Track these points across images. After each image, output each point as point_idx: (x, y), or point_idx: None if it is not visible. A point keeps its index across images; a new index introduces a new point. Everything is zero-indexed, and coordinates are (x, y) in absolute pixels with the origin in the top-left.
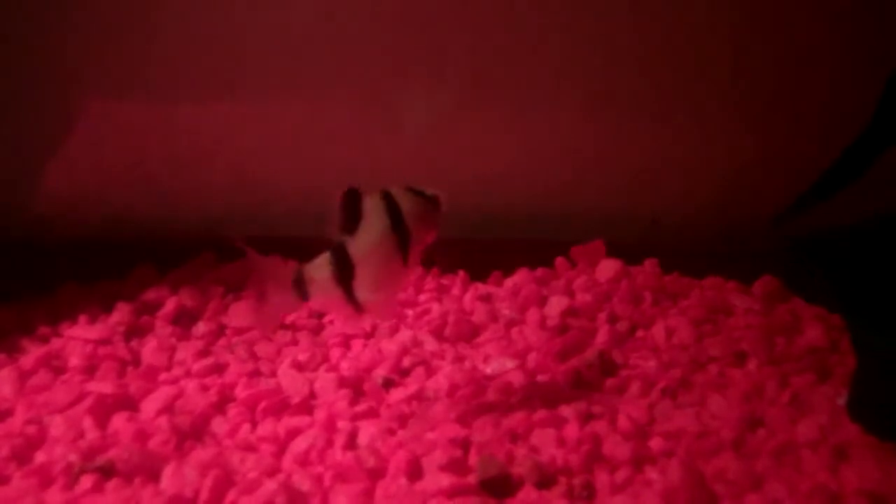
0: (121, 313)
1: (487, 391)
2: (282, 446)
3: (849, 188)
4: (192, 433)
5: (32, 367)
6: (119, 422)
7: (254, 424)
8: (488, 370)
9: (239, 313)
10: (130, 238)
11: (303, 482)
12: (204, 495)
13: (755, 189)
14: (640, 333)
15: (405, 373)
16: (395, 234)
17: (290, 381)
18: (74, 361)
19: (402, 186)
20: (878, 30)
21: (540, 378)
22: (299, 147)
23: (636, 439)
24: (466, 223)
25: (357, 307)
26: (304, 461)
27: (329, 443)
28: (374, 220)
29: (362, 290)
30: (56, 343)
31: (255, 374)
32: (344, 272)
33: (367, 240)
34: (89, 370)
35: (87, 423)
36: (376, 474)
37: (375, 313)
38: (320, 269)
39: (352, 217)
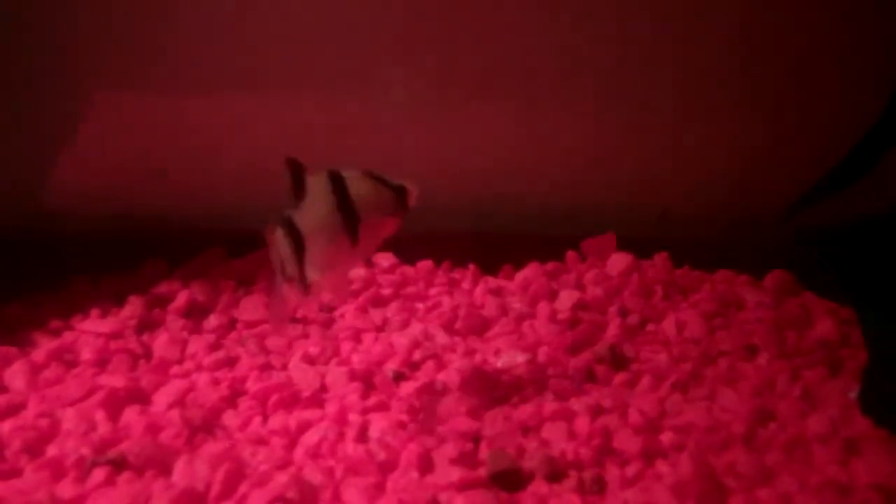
0: (132, 307)
1: (498, 385)
2: (293, 439)
3: (858, 183)
4: (204, 426)
5: (44, 360)
6: (131, 415)
7: (265, 418)
8: (499, 364)
9: (250, 307)
10: (141, 232)
11: (314, 475)
12: (215, 488)
13: (765, 183)
14: (650, 327)
15: (416, 366)
16: (341, 214)
17: (301, 375)
18: (86, 355)
19: (362, 171)
20: (886, 26)
21: (550, 372)
22: (309, 141)
23: (647, 433)
24: (477, 217)
25: (305, 284)
26: (315, 454)
27: (340, 436)
28: (316, 199)
29: (309, 267)
30: (68, 337)
31: (267, 367)
32: (296, 244)
33: (310, 217)
34: (101, 364)
35: (99, 416)
36: (387, 467)
37: (324, 292)
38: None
39: (298, 188)
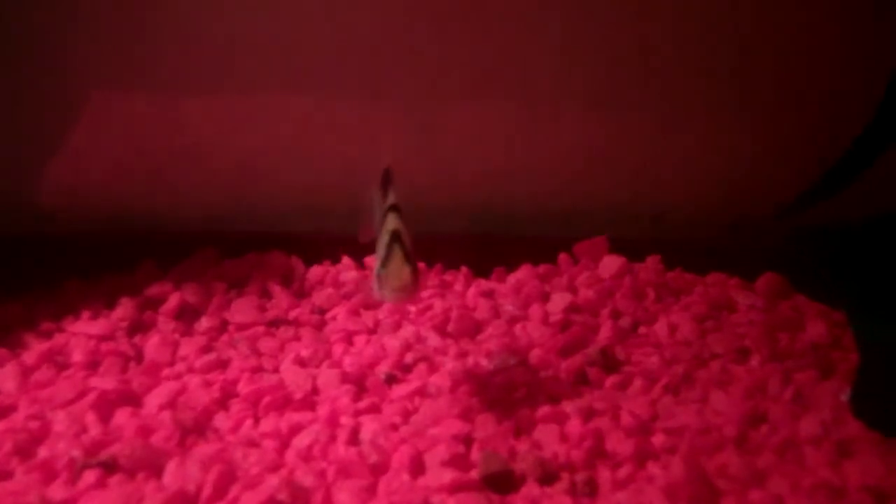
0: (124, 309)
1: (490, 387)
2: (284, 442)
3: (852, 186)
4: (195, 429)
5: (35, 362)
6: (122, 417)
7: (256, 420)
8: (491, 366)
9: (241, 309)
10: (134, 233)
11: (305, 477)
12: (207, 491)
13: (758, 185)
14: (642, 330)
15: (408, 369)
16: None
17: (292, 377)
18: (77, 357)
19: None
20: (880, 30)
21: (542, 374)
22: (303, 142)
23: (639, 435)
24: (469, 219)
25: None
26: (306, 457)
27: (332, 438)
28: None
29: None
30: (59, 338)
31: (258, 369)
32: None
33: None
34: (92, 365)
35: (90, 418)
36: (379, 470)
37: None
38: None
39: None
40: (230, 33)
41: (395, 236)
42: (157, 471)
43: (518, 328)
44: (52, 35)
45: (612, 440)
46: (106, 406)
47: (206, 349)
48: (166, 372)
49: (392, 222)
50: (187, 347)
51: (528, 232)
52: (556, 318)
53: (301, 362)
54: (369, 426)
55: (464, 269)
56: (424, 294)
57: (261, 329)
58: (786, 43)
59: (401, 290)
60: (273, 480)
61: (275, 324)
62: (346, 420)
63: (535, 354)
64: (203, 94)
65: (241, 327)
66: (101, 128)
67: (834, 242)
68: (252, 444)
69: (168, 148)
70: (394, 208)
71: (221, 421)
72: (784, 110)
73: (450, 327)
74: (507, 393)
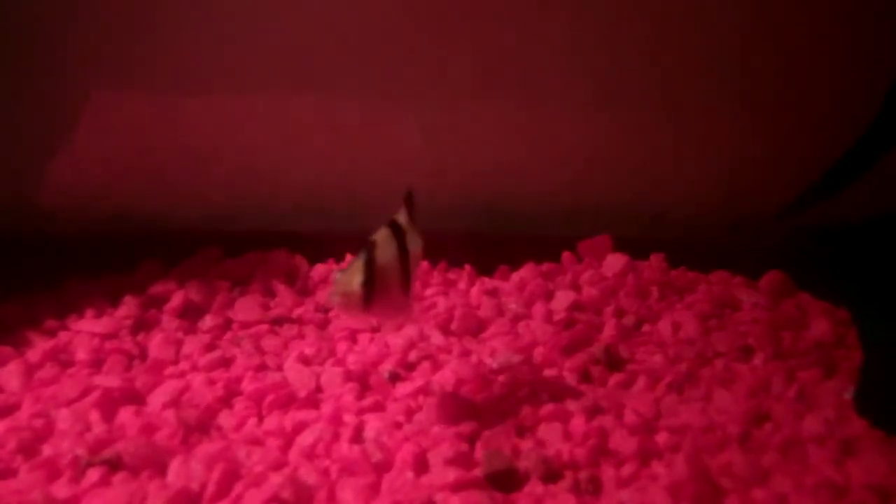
0: (127, 307)
1: (493, 385)
2: (288, 440)
3: (853, 185)
4: (199, 427)
5: (39, 360)
6: (126, 415)
7: (260, 418)
8: (494, 364)
9: (245, 308)
10: (137, 232)
11: (309, 475)
12: (210, 489)
13: (758, 185)
14: (646, 328)
15: (411, 367)
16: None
17: (296, 375)
18: (81, 355)
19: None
20: (881, 32)
21: (546, 372)
22: (305, 141)
23: (642, 434)
24: (473, 218)
25: None
26: (310, 455)
27: (335, 436)
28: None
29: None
30: (63, 337)
31: (262, 367)
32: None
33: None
34: (96, 364)
35: (94, 416)
36: (382, 468)
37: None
38: None
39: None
40: (231, 33)
41: (369, 246)
42: (160, 469)
43: (521, 326)
44: (52, 35)
45: (615, 438)
46: (110, 404)
47: (210, 347)
48: (170, 370)
49: (379, 234)
50: (191, 346)
51: (531, 230)
52: (560, 317)
53: (305, 360)
54: (373, 424)
55: (467, 267)
56: (428, 292)
57: (264, 327)
58: (787, 43)
59: (342, 296)
60: (277, 478)
61: (278, 322)
62: (349, 418)
63: (538, 352)
64: (203, 94)
65: (245, 325)
66: (101, 128)
67: (834, 242)
68: (256, 442)
69: (168, 148)
70: (391, 224)
71: (225, 419)
72: (785, 110)
73: (453, 325)
74: (510, 391)
